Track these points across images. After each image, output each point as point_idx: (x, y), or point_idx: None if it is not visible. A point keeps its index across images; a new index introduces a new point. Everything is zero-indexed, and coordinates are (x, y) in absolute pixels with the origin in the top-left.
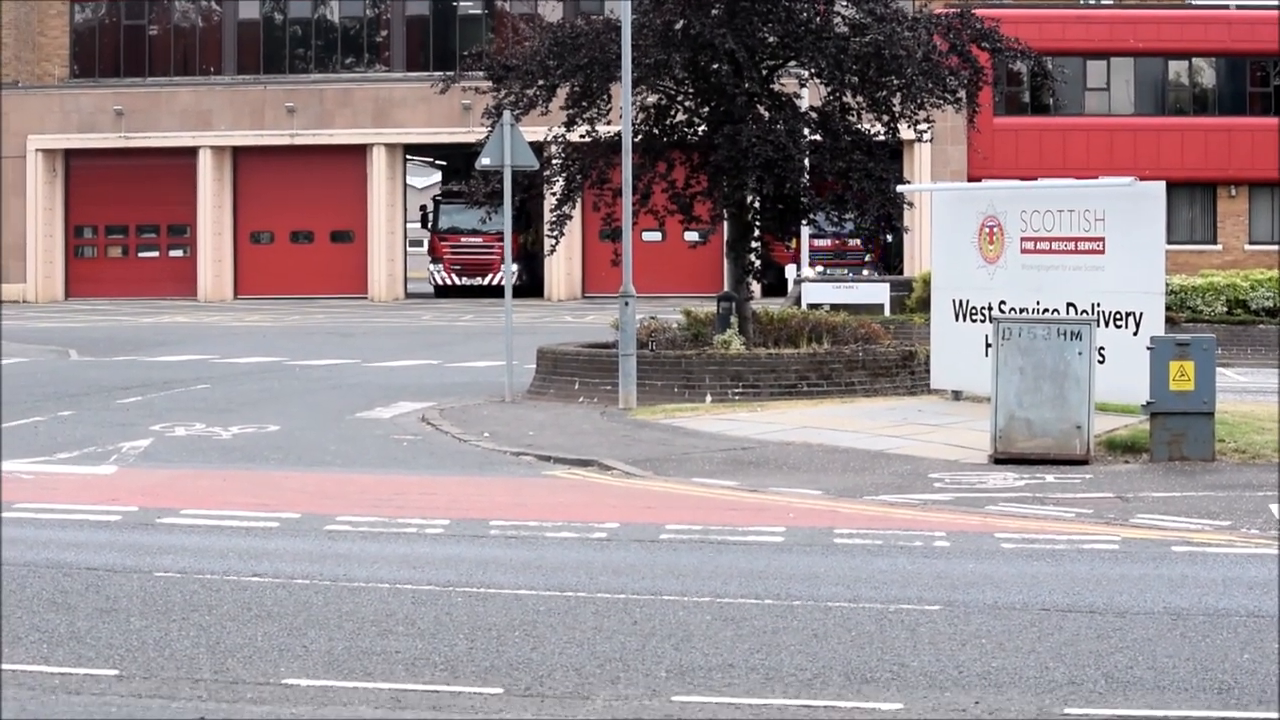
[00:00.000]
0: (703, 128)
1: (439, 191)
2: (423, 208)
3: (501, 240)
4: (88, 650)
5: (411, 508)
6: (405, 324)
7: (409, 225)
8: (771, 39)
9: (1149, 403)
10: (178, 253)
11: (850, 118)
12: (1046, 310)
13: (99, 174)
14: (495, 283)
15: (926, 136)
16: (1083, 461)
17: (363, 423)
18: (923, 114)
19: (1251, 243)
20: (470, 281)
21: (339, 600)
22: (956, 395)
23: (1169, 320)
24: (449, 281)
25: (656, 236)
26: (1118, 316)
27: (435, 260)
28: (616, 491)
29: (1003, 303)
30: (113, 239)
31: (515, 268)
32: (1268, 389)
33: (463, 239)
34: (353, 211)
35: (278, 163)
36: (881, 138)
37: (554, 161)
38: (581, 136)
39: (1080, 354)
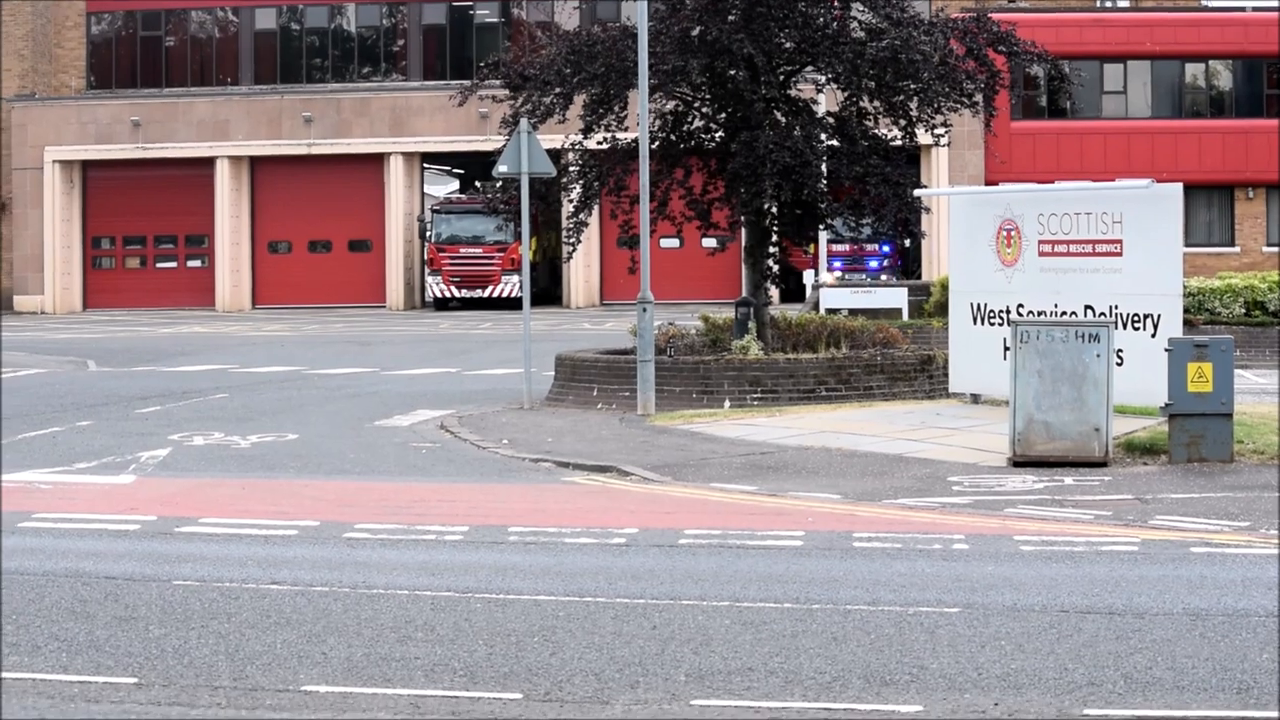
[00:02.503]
0: (720, 134)
1: (436, 201)
2: (420, 218)
3: (502, 251)
4: (107, 659)
5: (430, 515)
6: (424, 332)
7: None
8: (788, 44)
9: (1167, 404)
10: (195, 263)
11: (867, 123)
12: (1064, 313)
13: (116, 185)
14: (496, 295)
15: (944, 141)
16: (1101, 464)
17: (381, 431)
18: (940, 118)
19: (1270, 244)
20: (470, 294)
21: (358, 607)
22: (975, 398)
23: (1187, 322)
24: (448, 294)
25: (674, 243)
26: (1136, 318)
27: (433, 272)
28: (635, 497)
29: (1021, 306)
30: (130, 250)
31: (517, 279)
32: None
33: (462, 249)
34: (370, 221)
35: (295, 172)
36: (898, 142)
37: (571, 169)
38: (599, 144)
39: (1098, 356)
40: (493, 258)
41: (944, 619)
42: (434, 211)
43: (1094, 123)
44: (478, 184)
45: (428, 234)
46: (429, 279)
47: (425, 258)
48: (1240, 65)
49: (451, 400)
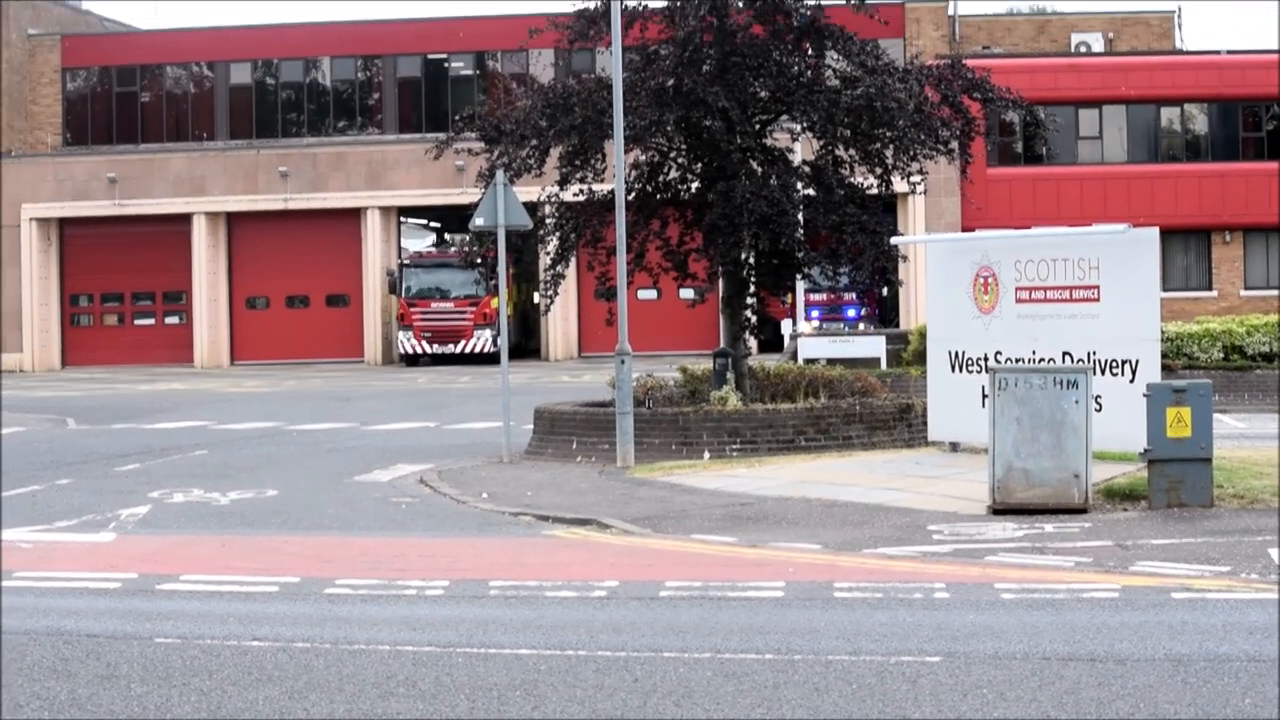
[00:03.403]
0: (696, 184)
1: (406, 255)
2: (390, 273)
3: (474, 305)
4: (89, 717)
5: (411, 570)
6: (402, 387)
7: None
8: (763, 94)
9: (1146, 450)
10: (173, 319)
11: (843, 171)
12: (1042, 359)
13: (93, 242)
14: (468, 350)
15: (920, 188)
16: (1081, 510)
17: (361, 486)
18: (915, 165)
19: (1247, 288)
20: (442, 349)
21: (340, 663)
22: (954, 447)
23: (1165, 367)
24: (419, 350)
25: (652, 294)
26: (1114, 364)
27: (404, 327)
28: (616, 550)
29: (999, 353)
30: (108, 307)
31: (489, 333)
32: (1265, 434)
33: (433, 304)
34: (348, 275)
35: (272, 227)
36: (875, 190)
37: (548, 221)
38: (575, 195)
39: (1077, 402)
40: (464, 312)
41: (926, 668)
42: (404, 265)
43: (1070, 168)
44: (448, 237)
45: (398, 289)
46: (399, 334)
47: (396, 313)
48: (1215, 109)
49: (431, 454)
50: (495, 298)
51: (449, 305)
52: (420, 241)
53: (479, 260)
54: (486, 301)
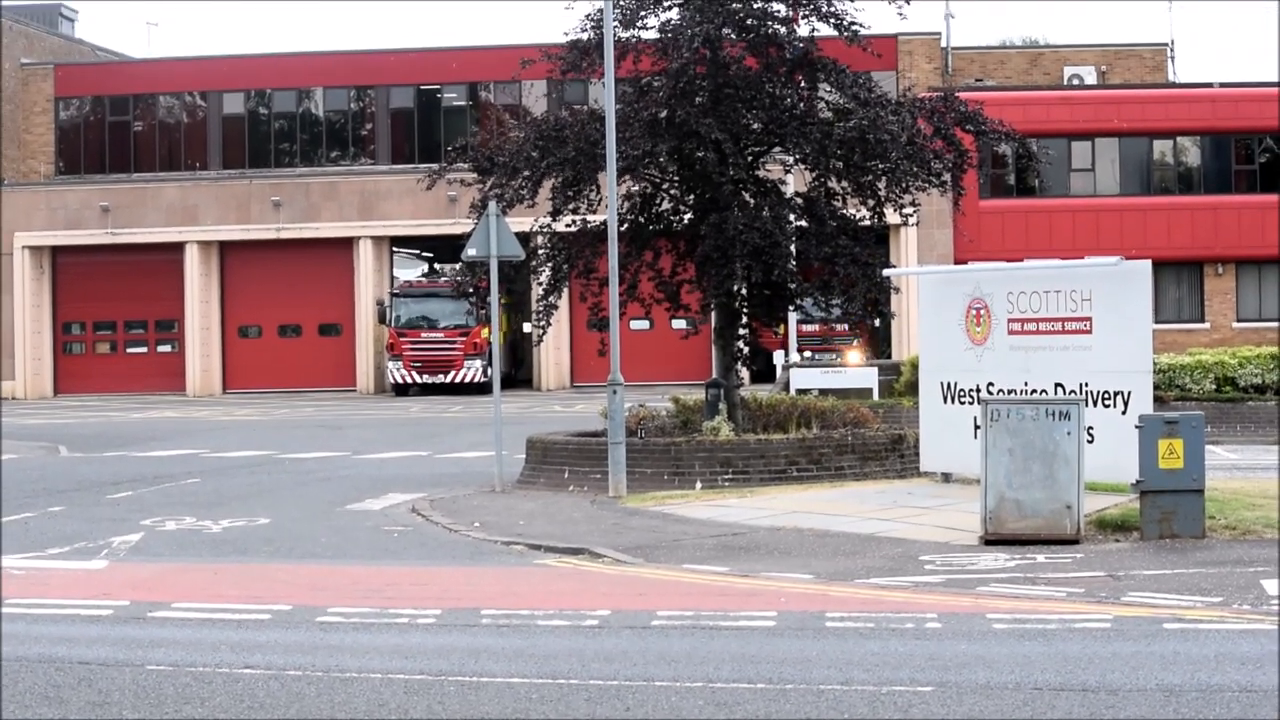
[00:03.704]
0: (689, 215)
1: (396, 285)
2: (379, 302)
3: (464, 334)
4: None
5: (403, 598)
6: (394, 416)
7: None
8: (756, 125)
9: (1139, 481)
10: (166, 348)
11: (835, 203)
12: (1035, 391)
13: (86, 270)
14: (458, 380)
15: (912, 220)
16: (1073, 541)
17: (353, 514)
18: (908, 198)
19: (1239, 320)
20: (431, 379)
21: (331, 691)
22: (946, 477)
23: (1158, 399)
24: (409, 379)
25: (644, 325)
26: (1106, 396)
27: (394, 357)
28: (608, 579)
29: (991, 384)
30: (101, 335)
31: (479, 363)
32: (1258, 465)
33: (423, 334)
34: (340, 304)
35: (265, 257)
36: (867, 222)
37: (540, 252)
38: (568, 226)
39: (1069, 434)
40: (454, 342)
41: (917, 698)
42: (393, 295)
43: (1062, 200)
44: (436, 267)
45: (387, 318)
46: (389, 364)
47: (385, 342)
48: (1208, 141)
49: (423, 483)
50: (485, 328)
51: (439, 335)
52: (411, 271)
53: (470, 290)
54: (476, 331)
